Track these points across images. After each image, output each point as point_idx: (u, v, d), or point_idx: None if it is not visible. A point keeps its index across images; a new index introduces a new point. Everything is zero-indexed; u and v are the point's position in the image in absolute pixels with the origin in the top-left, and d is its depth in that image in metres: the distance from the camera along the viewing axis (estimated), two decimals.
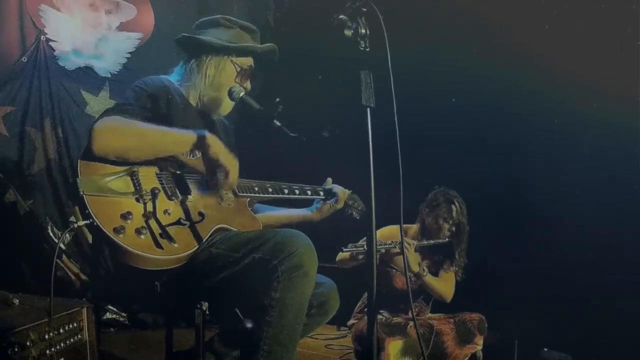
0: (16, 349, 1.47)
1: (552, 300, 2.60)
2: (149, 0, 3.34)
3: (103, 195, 1.39)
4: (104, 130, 1.42)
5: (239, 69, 1.74)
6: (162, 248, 1.37)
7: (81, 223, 1.34)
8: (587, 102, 2.44)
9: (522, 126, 2.69)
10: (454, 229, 2.46)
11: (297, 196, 1.85)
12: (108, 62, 3.20)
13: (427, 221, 2.50)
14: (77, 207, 1.38)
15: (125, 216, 1.37)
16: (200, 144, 1.51)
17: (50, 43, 3.01)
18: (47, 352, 1.57)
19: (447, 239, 2.46)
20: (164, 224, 1.42)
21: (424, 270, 2.39)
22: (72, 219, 1.39)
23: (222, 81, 1.73)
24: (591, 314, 2.43)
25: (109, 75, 3.21)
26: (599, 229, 2.47)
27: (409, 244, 2.32)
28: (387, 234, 2.41)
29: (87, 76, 3.14)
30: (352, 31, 1.23)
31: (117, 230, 1.33)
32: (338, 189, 1.93)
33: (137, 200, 1.43)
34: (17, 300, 1.74)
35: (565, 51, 2.48)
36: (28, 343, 1.50)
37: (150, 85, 1.62)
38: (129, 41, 3.28)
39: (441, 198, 2.50)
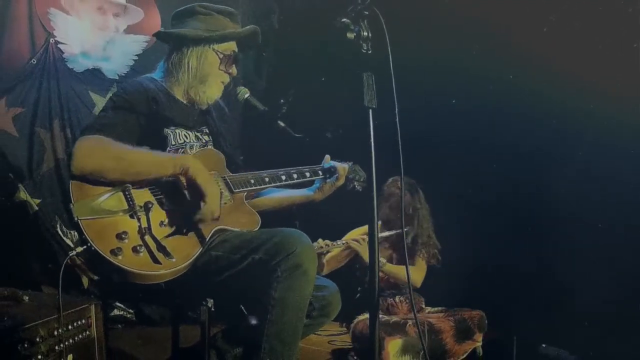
0: (26, 345, 1.47)
1: (550, 296, 2.61)
2: (155, 3, 3.38)
3: (97, 218, 1.38)
4: (82, 151, 1.42)
5: (221, 56, 1.70)
6: (160, 263, 1.37)
7: (79, 249, 1.35)
8: (586, 103, 2.45)
9: (522, 127, 2.70)
10: (410, 216, 2.47)
11: (295, 181, 1.82)
12: (116, 64, 3.23)
13: (385, 213, 2.51)
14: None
15: (121, 236, 1.36)
16: (182, 171, 1.47)
17: (59, 45, 3.04)
18: (56, 348, 1.57)
19: (406, 228, 2.39)
20: (161, 236, 1.42)
21: (381, 261, 2.38)
22: (71, 253, 1.39)
23: (206, 71, 1.70)
24: (589, 310, 2.43)
25: (117, 77, 3.23)
26: (598, 227, 2.48)
27: (358, 241, 2.34)
28: (355, 233, 2.42)
29: (95, 78, 3.16)
30: (355, 34, 1.25)
31: (114, 252, 1.33)
32: (338, 165, 1.90)
33: (132, 216, 1.42)
34: (27, 297, 1.73)
35: (565, 52, 2.49)
36: (37, 339, 1.50)
37: (130, 92, 1.60)
38: (136, 43, 3.30)
39: (392, 188, 2.52)
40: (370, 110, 1.25)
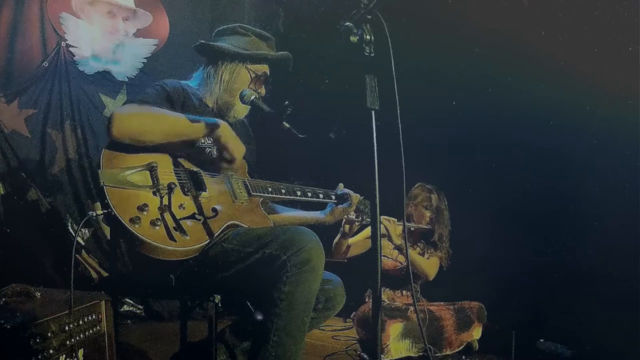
0: (37, 340, 1.47)
1: (549, 292, 2.63)
2: (164, 8, 3.43)
3: (122, 187, 1.44)
4: (122, 114, 1.49)
5: (253, 75, 1.79)
6: (174, 240, 1.41)
7: (100, 212, 1.39)
8: (585, 104, 2.47)
9: (522, 127, 2.73)
10: (434, 215, 2.78)
11: (309, 199, 1.88)
12: (125, 67, 3.29)
13: (411, 211, 2.82)
14: (97, 203, 1.43)
15: (142, 208, 1.41)
16: (212, 130, 1.56)
17: (70, 49, 3.11)
18: (67, 342, 1.58)
19: (429, 226, 2.75)
20: (178, 217, 1.47)
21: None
22: (91, 213, 1.44)
23: (237, 86, 1.79)
24: (587, 306, 2.44)
25: (127, 80, 3.30)
26: (595, 225, 2.49)
27: (389, 221, 2.51)
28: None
29: (105, 80, 3.23)
30: (358, 37, 1.27)
31: (133, 221, 1.38)
32: (351, 193, 1.97)
33: (154, 193, 1.47)
34: (39, 293, 1.72)
35: (564, 54, 2.52)
36: (49, 334, 1.52)
37: (170, 86, 1.69)
38: (145, 47, 3.37)
39: (419, 190, 2.83)
40: (373, 112, 1.27)
